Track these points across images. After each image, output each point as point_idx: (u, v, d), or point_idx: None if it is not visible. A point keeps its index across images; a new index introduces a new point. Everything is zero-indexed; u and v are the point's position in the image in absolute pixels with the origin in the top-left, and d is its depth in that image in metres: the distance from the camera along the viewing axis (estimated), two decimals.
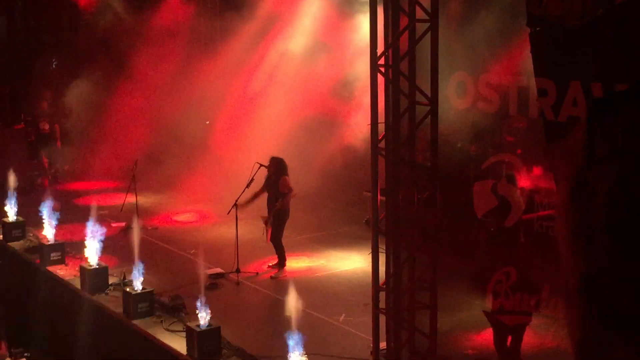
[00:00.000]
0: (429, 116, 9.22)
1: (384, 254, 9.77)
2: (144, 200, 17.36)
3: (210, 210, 17.31)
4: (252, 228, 14.43)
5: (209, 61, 20.05)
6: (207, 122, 19.97)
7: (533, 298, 8.32)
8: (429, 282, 9.43)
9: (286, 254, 14.11)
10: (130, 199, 16.71)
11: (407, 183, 9.42)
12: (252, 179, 13.82)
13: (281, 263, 14.05)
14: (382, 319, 9.95)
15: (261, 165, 13.99)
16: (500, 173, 8.49)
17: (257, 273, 13.98)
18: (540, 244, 8.21)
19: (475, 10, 8.61)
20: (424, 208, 9.47)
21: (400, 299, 9.52)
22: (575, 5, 7.53)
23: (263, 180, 14.10)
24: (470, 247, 9.22)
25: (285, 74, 18.79)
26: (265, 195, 14.10)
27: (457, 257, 9.86)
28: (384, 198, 9.79)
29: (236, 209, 13.65)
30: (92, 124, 20.10)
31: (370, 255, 9.94)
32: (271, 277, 13.87)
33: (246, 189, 13.80)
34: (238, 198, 13.66)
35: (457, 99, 8.71)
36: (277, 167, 13.98)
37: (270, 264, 14.14)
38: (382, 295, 9.89)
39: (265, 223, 13.96)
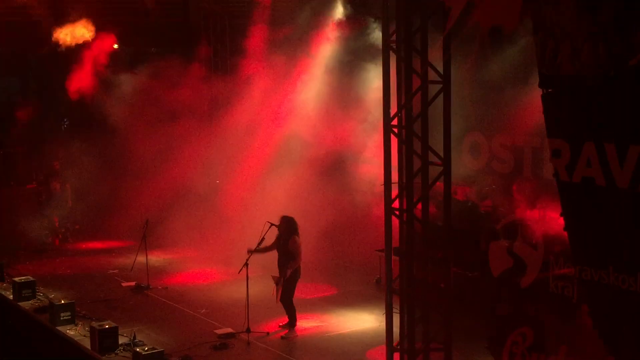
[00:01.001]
0: (442, 176, 9.29)
1: (398, 314, 9.73)
2: (155, 259, 17.36)
3: (220, 270, 17.28)
4: (263, 287, 14.38)
5: (219, 121, 20.25)
6: (218, 181, 20.07)
7: (550, 359, 8.27)
8: (443, 342, 9.39)
9: (297, 314, 14.04)
10: (141, 258, 16.71)
11: (421, 242, 9.42)
12: (263, 238, 13.81)
13: (292, 323, 13.97)
14: None
15: (272, 224, 13.99)
16: (516, 233, 8.50)
17: (268, 333, 13.89)
18: (556, 304, 8.18)
19: (489, 72, 8.72)
20: (438, 267, 9.47)
21: None
22: (588, 66, 7.61)
23: (274, 238, 14.11)
24: (486, 308, 9.18)
25: (295, 134, 18.98)
26: (275, 253, 14.10)
27: (472, 317, 9.85)
28: (397, 257, 9.79)
29: (247, 268, 13.62)
30: (103, 183, 20.18)
31: (384, 315, 9.89)
32: (282, 337, 13.78)
33: (257, 247, 13.78)
34: (249, 257, 13.64)
35: (471, 159, 8.77)
36: (287, 226, 14.00)
37: (281, 324, 14.07)
38: (397, 355, 9.83)
39: (277, 283, 13.92)
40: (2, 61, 22.41)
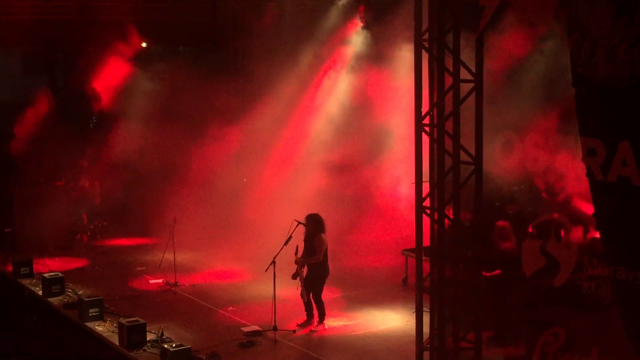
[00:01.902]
0: (473, 175, 9.28)
1: (427, 313, 9.73)
2: (182, 257, 17.43)
3: (247, 268, 17.32)
4: (290, 286, 14.38)
5: (245, 120, 20.35)
6: (245, 180, 20.16)
7: None
8: (473, 341, 9.37)
9: (322, 313, 14.11)
10: (169, 255, 16.78)
11: (451, 242, 9.42)
12: (290, 237, 13.83)
13: (321, 318, 14.07)
14: None
15: (299, 222, 14.01)
16: (549, 232, 8.46)
17: (295, 331, 13.94)
18: (589, 304, 8.14)
19: (522, 70, 8.69)
20: (468, 267, 9.45)
21: (444, 359, 9.45)
22: (624, 67, 7.57)
23: (301, 237, 14.14)
24: (516, 307, 9.15)
25: (324, 131, 19.04)
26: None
27: (502, 316, 9.80)
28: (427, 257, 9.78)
29: (274, 266, 13.66)
30: (131, 181, 20.33)
31: (414, 314, 9.89)
32: (311, 330, 13.90)
33: (284, 246, 13.80)
34: (276, 255, 13.66)
35: (503, 158, 8.75)
36: (314, 224, 14.04)
37: (299, 324, 14.11)
38: (426, 354, 9.82)
39: (294, 278, 13.98)
40: (31, 59, 22.60)
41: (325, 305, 14.19)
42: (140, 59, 21.67)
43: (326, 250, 14.04)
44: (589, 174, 8.01)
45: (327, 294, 14.31)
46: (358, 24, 19.29)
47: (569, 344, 8.42)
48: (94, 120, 22.38)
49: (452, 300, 9.51)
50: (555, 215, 8.41)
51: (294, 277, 14.01)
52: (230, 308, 15.17)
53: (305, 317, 14.16)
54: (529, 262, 8.55)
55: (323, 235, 14.00)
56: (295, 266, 13.99)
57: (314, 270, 13.96)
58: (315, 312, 14.14)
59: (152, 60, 21.84)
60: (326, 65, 19.76)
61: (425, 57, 9.85)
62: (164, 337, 13.27)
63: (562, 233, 8.36)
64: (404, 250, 16.12)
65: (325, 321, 14.10)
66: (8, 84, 22.68)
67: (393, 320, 14.36)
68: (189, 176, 20.30)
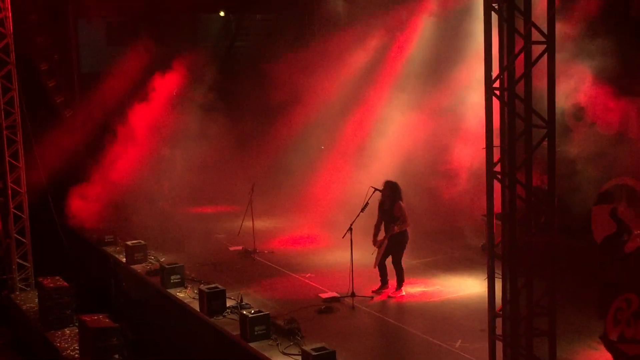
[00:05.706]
0: (546, 139, 9.07)
1: (500, 280, 9.61)
2: (261, 224, 17.61)
3: (325, 234, 17.39)
4: (367, 252, 14.40)
5: (324, 87, 20.30)
6: (322, 147, 20.17)
7: None
8: (546, 308, 9.22)
9: (401, 279, 14.09)
10: (247, 222, 16.98)
11: (524, 207, 9.25)
12: (367, 203, 13.84)
13: (399, 284, 14.07)
14: (499, 345, 9.76)
15: (375, 189, 13.99)
16: (620, 197, 8.24)
17: (372, 297, 13.97)
18: None
19: (593, 32, 8.42)
20: (541, 232, 9.28)
21: (517, 326, 9.33)
22: None
23: (377, 204, 14.10)
24: (589, 273, 8.96)
25: (399, 98, 18.85)
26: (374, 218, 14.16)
27: (575, 282, 9.62)
28: (500, 222, 9.64)
29: (351, 233, 13.69)
30: (211, 149, 20.55)
31: (486, 280, 9.78)
32: (388, 296, 13.95)
33: (361, 213, 13.82)
34: (353, 222, 13.69)
35: (574, 121, 8.53)
36: (391, 192, 13.98)
37: (374, 290, 14.12)
38: (499, 321, 9.71)
39: (379, 246, 13.96)
40: (116, 29, 22.91)
41: (404, 270, 14.18)
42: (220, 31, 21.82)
43: None
44: None
45: (405, 260, 14.29)
46: None
47: None
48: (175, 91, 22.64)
49: (526, 267, 9.36)
50: (627, 180, 8.16)
51: (380, 245, 13.98)
52: (308, 274, 15.30)
53: (379, 284, 14.18)
54: (599, 227, 8.36)
55: (401, 202, 13.95)
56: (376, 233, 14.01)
57: (395, 236, 13.93)
58: (393, 279, 14.15)
59: (231, 31, 21.96)
60: (404, 28, 19.48)
61: (495, 19, 9.64)
62: (244, 303, 13.46)
63: (635, 196, 8.11)
64: (484, 215, 15.90)
65: (403, 287, 14.11)
66: (92, 54, 23.11)
67: (471, 287, 14.26)
68: (267, 143, 20.42)
